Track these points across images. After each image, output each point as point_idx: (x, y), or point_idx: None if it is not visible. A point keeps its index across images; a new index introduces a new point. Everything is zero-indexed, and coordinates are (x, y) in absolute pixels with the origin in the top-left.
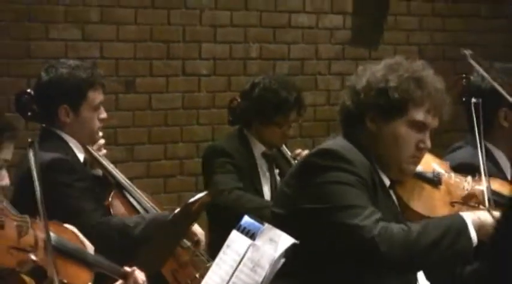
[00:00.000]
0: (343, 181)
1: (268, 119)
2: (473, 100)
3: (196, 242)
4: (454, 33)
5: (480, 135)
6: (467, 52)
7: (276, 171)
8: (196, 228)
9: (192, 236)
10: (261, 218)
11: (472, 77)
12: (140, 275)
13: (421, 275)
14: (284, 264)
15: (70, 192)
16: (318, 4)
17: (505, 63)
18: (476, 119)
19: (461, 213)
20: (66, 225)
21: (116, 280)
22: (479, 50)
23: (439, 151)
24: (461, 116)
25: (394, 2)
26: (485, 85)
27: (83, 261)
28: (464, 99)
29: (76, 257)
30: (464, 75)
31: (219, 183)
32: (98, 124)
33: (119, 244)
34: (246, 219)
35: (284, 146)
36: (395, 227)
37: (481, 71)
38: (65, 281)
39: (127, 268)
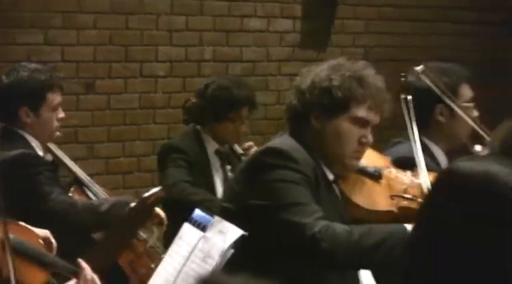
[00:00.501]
0: (289, 180)
1: (222, 115)
2: (403, 96)
3: (160, 222)
4: (399, 36)
5: (412, 129)
6: (419, 69)
7: (228, 168)
8: (159, 210)
9: (155, 217)
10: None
11: (409, 76)
12: (89, 271)
13: (367, 273)
14: (234, 255)
15: (39, 179)
16: (268, 9)
17: (449, 64)
18: (408, 115)
19: (405, 225)
20: (33, 228)
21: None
22: (424, 52)
23: (381, 147)
24: (402, 113)
25: (341, 7)
26: (421, 84)
27: (41, 262)
28: (403, 97)
29: (34, 258)
30: (403, 74)
31: (168, 176)
32: (56, 123)
33: (89, 222)
34: (197, 212)
35: (236, 144)
36: (338, 226)
37: (432, 86)
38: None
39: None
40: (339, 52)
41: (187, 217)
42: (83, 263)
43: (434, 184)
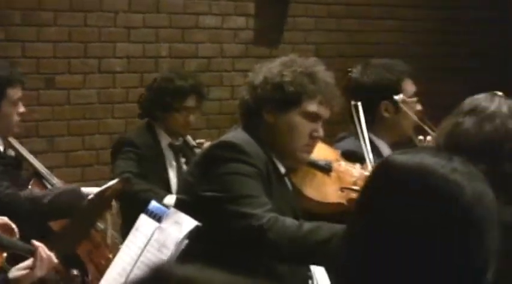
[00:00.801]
0: (241, 173)
1: (168, 106)
2: (353, 102)
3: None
4: (348, 33)
5: (362, 130)
6: (399, 98)
7: (183, 160)
8: None
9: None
10: (146, 200)
11: (354, 72)
12: (44, 250)
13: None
14: (189, 246)
15: None
16: (222, 7)
17: (391, 60)
18: (357, 118)
19: None
20: None
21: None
22: (372, 48)
23: (332, 141)
24: (350, 108)
25: (293, 5)
26: (366, 82)
27: None
28: (353, 103)
29: None
30: (350, 69)
31: (116, 167)
32: (16, 118)
33: (31, 212)
34: (154, 204)
35: (189, 136)
36: (288, 220)
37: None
38: None
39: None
40: (290, 48)
41: (131, 206)
42: (37, 243)
43: (370, 177)
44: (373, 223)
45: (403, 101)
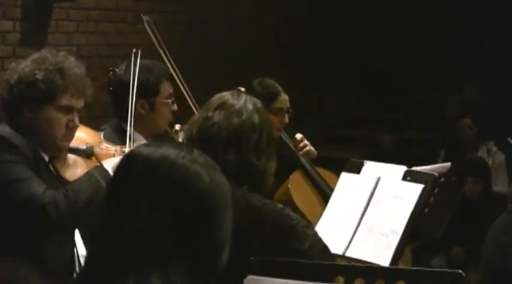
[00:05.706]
0: (12, 161)
1: None
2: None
3: None
4: (105, 35)
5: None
6: (145, 18)
7: None
8: None
9: None
10: None
11: (117, 70)
12: None
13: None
14: None
15: None
16: None
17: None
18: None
19: (102, 162)
20: None
21: None
22: (126, 49)
23: None
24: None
25: (56, 10)
26: (126, 78)
27: None
28: (111, 88)
29: None
30: (111, 68)
31: None
32: None
33: None
34: None
35: None
36: (56, 193)
37: (154, 38)
38: None
39: None
40: (54, 50)
41: None
42: None
43: (119, 165)
44: (122, 210)
45: (159, 102)
